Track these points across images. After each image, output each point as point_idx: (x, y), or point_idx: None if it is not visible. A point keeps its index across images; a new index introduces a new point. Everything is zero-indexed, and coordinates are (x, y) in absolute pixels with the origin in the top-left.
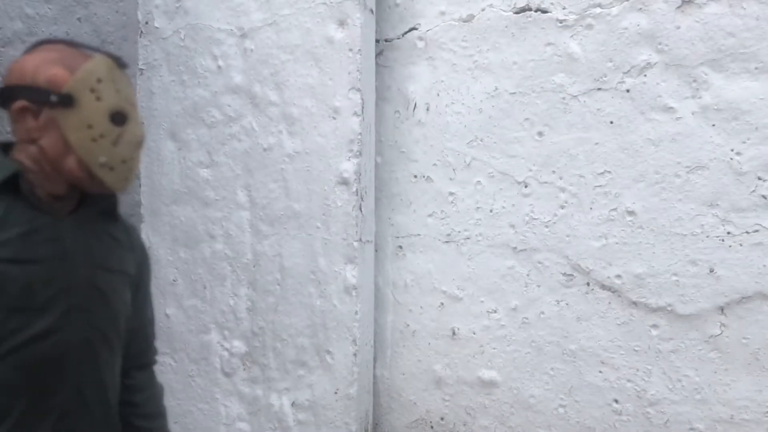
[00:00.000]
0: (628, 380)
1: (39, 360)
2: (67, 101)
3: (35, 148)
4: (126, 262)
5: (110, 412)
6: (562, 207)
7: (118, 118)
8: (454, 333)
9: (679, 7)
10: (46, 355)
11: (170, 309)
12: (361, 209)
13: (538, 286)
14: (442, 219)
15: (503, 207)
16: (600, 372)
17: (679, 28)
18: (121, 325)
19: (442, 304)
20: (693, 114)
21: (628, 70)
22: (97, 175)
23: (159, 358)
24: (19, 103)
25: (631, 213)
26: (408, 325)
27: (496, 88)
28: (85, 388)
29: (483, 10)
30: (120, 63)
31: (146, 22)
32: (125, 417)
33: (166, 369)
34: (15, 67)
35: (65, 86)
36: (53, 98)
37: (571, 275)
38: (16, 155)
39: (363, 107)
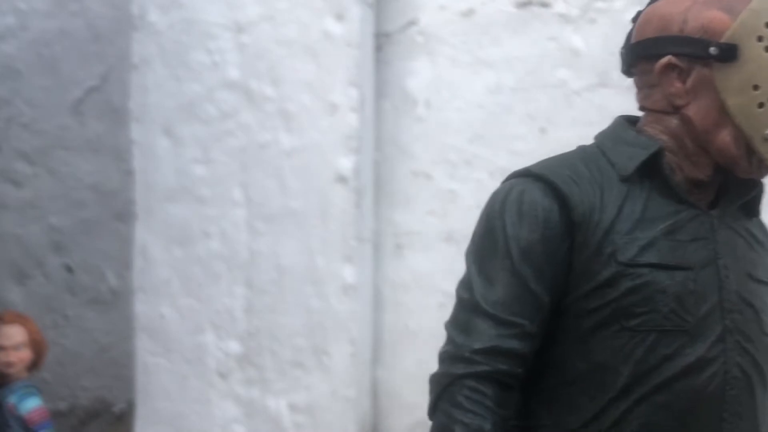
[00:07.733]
0: None
1: (691, 400)
2: (728, 54)
3: (676, 118)
4: None
5: None
6: None
7: None
8: None
9: None
10: (698, 394)
11: (164, 309)
12: (359, 207)
13: None
14: (442, 217)
15: None
16: None
17: None
18: None
19: (443, 303)
20: None
21: None
22: (758, 152)
23: (152, 359)
24: (665, 60)
25: None
26: (407, 326)
27: (498, 84)
28: None
29: (484, 3)
30: None
31: (140, 16)
32: None
33: (160, 370)
34: (652, 14)
35: (726, 34)
36: (712, 50)
37: None
38: (646, 129)
39: (361, 103)
